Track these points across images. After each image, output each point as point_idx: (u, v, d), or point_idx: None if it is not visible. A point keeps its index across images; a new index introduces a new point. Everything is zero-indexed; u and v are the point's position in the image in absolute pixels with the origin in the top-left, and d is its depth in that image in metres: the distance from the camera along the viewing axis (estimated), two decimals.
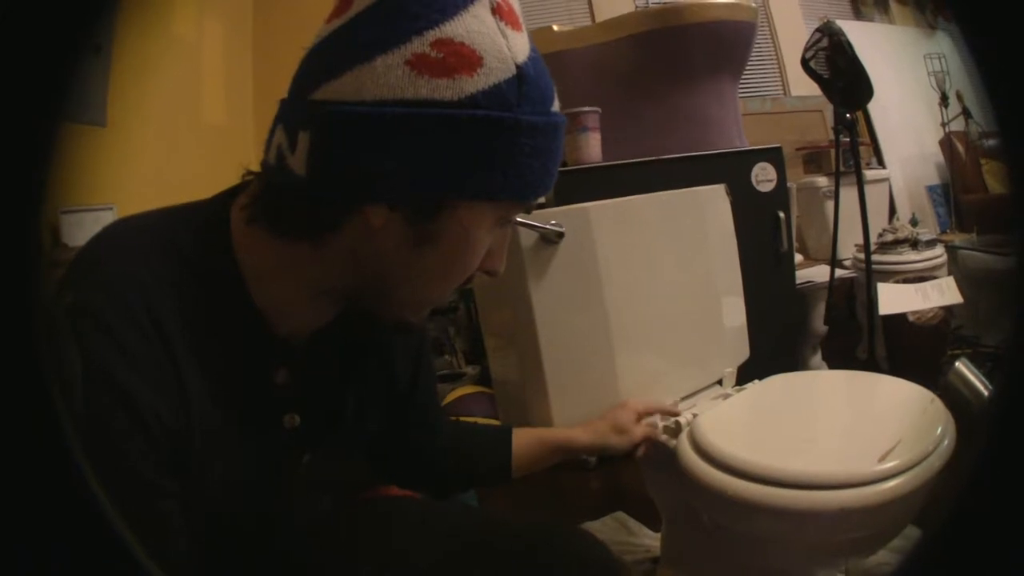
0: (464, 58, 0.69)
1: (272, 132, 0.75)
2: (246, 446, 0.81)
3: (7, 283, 0.44)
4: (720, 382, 1.69)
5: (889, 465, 1.12)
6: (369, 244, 0.75)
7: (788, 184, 2.60)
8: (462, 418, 1.47)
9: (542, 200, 1.17)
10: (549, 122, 0.76)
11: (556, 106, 0.79)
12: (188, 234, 0.78)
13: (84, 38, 0.46)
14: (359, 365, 0.95)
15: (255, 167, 0.80)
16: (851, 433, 1.34)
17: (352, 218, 0.74)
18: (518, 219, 1.29)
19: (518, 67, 0.72)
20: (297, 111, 0.73)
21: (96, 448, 0.50)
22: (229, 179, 0.82)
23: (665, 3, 3.28)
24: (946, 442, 1.20)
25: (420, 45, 0.68)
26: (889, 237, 2.99)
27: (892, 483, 1.10)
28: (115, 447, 0.69)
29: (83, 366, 0.67)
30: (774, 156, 2.49)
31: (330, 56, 0.71)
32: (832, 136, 2.69)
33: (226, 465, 0.79)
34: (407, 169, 0.70)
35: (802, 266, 2.98)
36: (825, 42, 2.31)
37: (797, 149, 4.14)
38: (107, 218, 2.11)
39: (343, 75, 0.69)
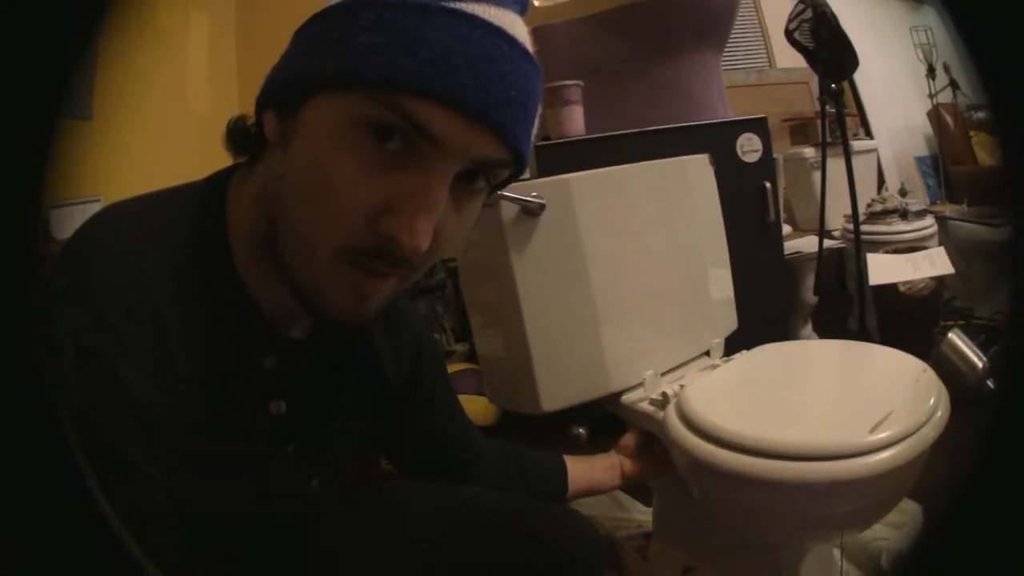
0: None
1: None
2: (230, 430, 0.80)
3: (5, 285, 0.44)
4: (708, 353, 1.66)
5: (881, 436, 1.09)
6: (272, 167, 0.73)
7: (775, 155, 2.59)
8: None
9: (526, 176, 1.13)
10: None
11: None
12: (183, 215, 0.77)
13: (85, 40, 0.45)
14: (351, 361, 0.93)
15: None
16: (842, 403, 1.31)
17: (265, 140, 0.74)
18: (501, 193, 1.26)
19: None
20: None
21: (85, 435, 0.49)
22: (215, 169, 0.81)
23: None
24: (939, 413, 1.17)
25: None
26: (878, 207, 2.97)
27: (884, 454, 1.08)
28: (104, 434, 0.67)
29: (74, 351, 0.66)
30: (759, 126, 2.48)
31: None
32: (818, 108, 2.67)
33: (209, 448, 0.77)
34: (281, 63, 0.71)
35: (791, 237, 2.97)
36: (808, 13, 2.28)
37: (783, 120, 4.13)
38: (95, 210, 2.10)
39: None
